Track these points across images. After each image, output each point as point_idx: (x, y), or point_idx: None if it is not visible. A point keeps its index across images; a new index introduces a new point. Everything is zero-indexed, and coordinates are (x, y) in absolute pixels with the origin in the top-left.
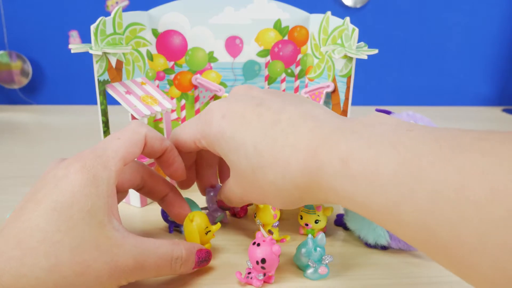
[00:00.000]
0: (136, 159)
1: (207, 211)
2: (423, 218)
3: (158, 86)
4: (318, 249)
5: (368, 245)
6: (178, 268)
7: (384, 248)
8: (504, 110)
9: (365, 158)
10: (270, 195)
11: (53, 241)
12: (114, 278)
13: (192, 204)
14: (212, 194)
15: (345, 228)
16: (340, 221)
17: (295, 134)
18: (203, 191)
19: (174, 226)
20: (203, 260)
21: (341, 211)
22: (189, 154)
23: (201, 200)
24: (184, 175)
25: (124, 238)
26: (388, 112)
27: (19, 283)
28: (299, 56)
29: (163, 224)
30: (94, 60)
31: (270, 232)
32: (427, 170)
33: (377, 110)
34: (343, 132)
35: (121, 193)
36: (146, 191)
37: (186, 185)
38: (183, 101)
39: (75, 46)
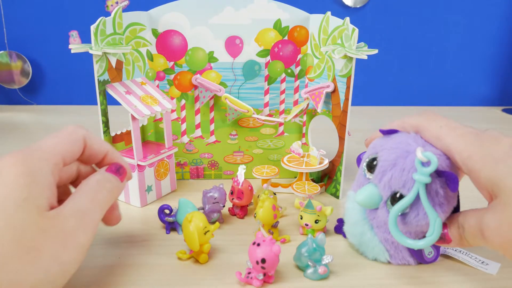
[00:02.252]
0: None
1: (203, 211)
2: None
3: (158, 86)
4: (318, 249)
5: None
6: (108, 188)
7: None
8: (504, 110)
9: None
10: None
11: None
12: (71, 247)
13: (188, 204)
14: (208, 195)
15: (345, 236)
16: (340, 229)
17: None
18: None
19: (171, 227)
20: (118, 168)
21: (341, 215)
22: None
23: (197, 200)
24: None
25: (62, 209)
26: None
27: None
28: (299, 56)
29: (162, 223)
30: (94, 60)
31: (270, 232)
32: None
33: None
34: None
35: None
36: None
37: None
38: (183, 101)
39: (75, 46)
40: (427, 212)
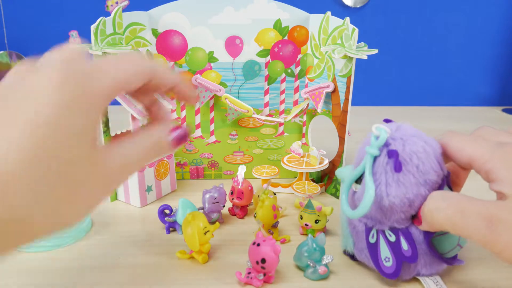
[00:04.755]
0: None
1: (203, 211)
2: None
3: None
4: (318, 249)
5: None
6: (158, 154)
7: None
8: (504, 110)
9: None
10: None
11: (37, 176)
12: (107, 191)
13: (188, 204)
14: (208, 195)
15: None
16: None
17: None
18: None
19: (171, 227)
20: (181, 138)
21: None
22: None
23: (197, 200)
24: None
25: (111, 147)
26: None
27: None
28: (299, 56)
29: (163, 223)
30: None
31: (270, 232)
32: None
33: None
34: None
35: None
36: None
37: None
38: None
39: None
40: (366, 183)
